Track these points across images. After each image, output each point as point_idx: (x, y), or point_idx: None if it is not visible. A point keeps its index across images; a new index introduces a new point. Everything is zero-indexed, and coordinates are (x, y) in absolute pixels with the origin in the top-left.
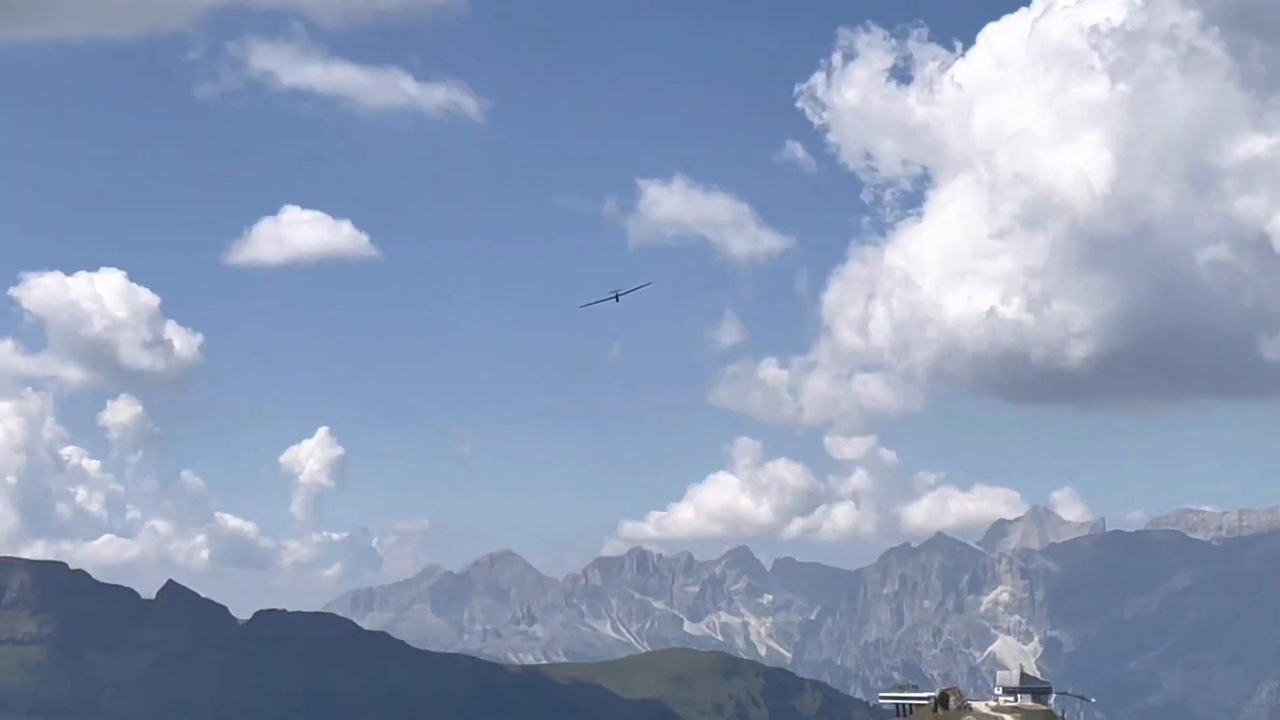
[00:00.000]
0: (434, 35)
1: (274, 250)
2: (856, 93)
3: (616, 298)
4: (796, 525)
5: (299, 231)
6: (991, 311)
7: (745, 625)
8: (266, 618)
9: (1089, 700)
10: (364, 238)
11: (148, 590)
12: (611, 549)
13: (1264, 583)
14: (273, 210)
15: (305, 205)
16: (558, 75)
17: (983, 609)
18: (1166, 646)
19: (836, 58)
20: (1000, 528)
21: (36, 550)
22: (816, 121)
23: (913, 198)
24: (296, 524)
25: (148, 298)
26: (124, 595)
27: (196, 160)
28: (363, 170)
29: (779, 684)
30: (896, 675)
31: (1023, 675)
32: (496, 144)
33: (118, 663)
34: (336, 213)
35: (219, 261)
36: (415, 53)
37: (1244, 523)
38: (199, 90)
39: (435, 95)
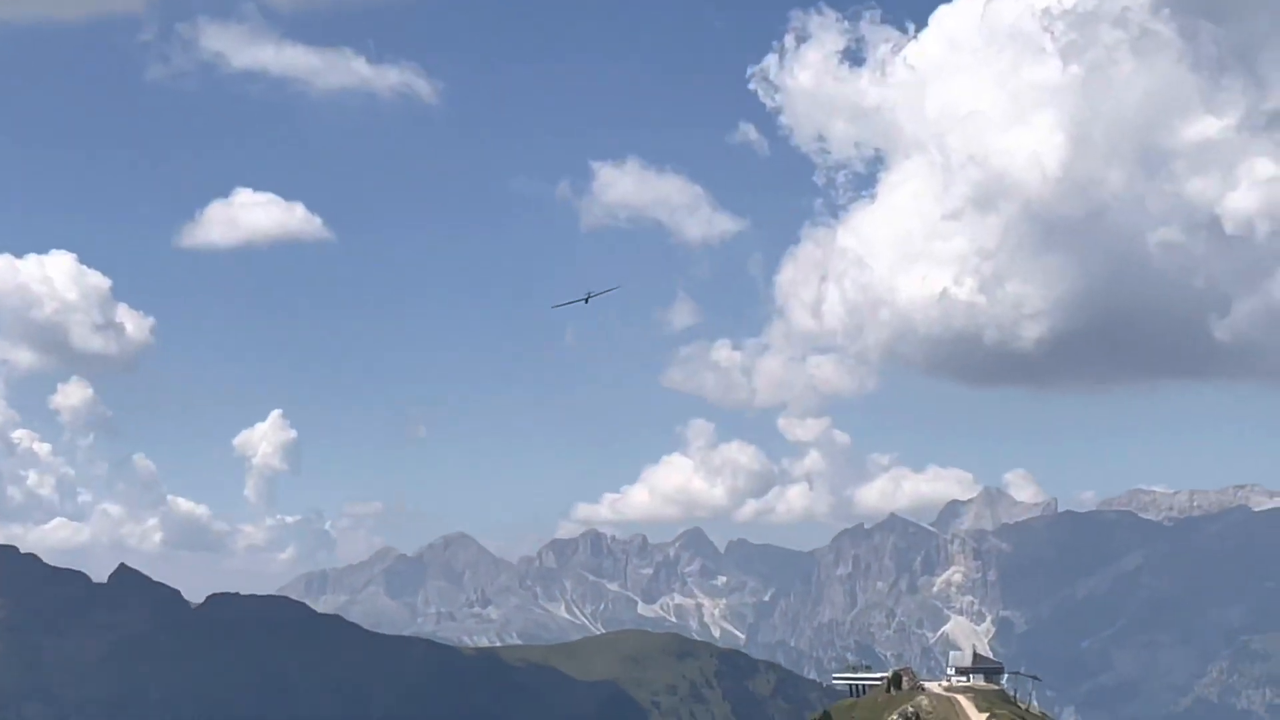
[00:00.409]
0: (387, 17)
1: (226, 232)
2: (809, 75)
3: (587, 299)
4: (750, 507)
5: (251, 214)
6: (944, 293)
7: (699, 607)
8: (220, 601)
9: (1040, 680)
10: (317, 220)
11: (100, 574)
12: (565, 531)
13: (1215, 563)
14: (224, 193)
15: (258, 188)
16: (511, 57)
17: (935, 590)
18: (1118, 626)
19: (789, 39)
20: (953, 508)
21: None
22: (769, 104)
23: (865, 180)
24: (250, 507)
25: (99, 280)
26: (76, 579)
27: (148, 143)
28: (316, 152)
29: (733, 665)
30: (850, 656)
31: (975, 655)
32: (450, 126)
33: (70, 646)
34: (289, 195)
35: (171, 244)
36: (368, 34)
37: (1195, 503)
38: (150, 72)
39: (388, 77)
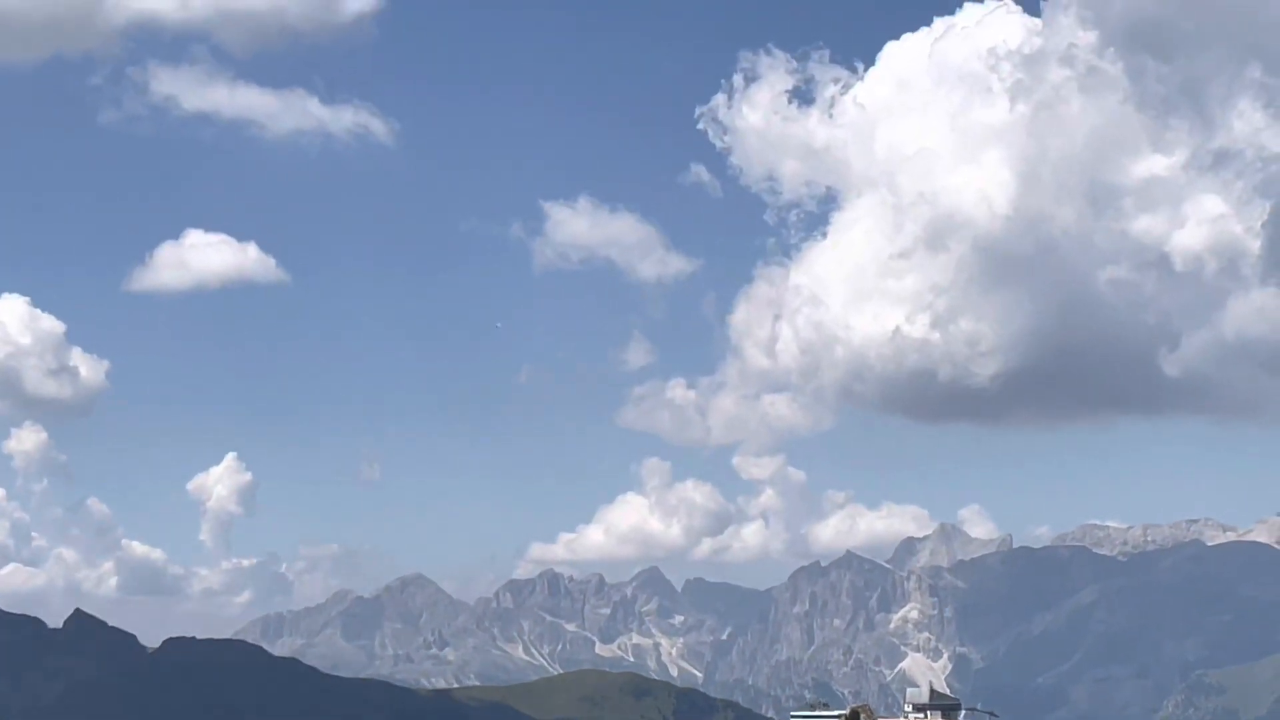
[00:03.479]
0: (341, 57)
1: (177, 274)
2: (758, 115)
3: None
4: (706, 545)
5: (203, 255)
6: (897, 330)
7: (657, 646)
8: (176, 645)
9: (996, 716)
10: (271, 261)
11: (55, 619)
12: (522, 571)
13: (1169, 597)
14: (174, 234)
15: (209, 229)
16: (464, 97)
17: (892, 627)
18: (1074, 661)
19: (738, 79)
20: (909, 545)
21: None
22: (719, 144)
23: (817, 219)
24: (205, 551)
25: (52, 324)
26: (30, 625)
27: (100, 186)
28: (269, 193)
29: (691, 704)
30: (808, 694)
31: (932, 692)
32: (405, 167)
33: (25, 693)
34: (242, 236)
35: (122, 287)
36: (321, 75)
37: (1149, 538)
38: (102, 116)
39: (343, 118)
